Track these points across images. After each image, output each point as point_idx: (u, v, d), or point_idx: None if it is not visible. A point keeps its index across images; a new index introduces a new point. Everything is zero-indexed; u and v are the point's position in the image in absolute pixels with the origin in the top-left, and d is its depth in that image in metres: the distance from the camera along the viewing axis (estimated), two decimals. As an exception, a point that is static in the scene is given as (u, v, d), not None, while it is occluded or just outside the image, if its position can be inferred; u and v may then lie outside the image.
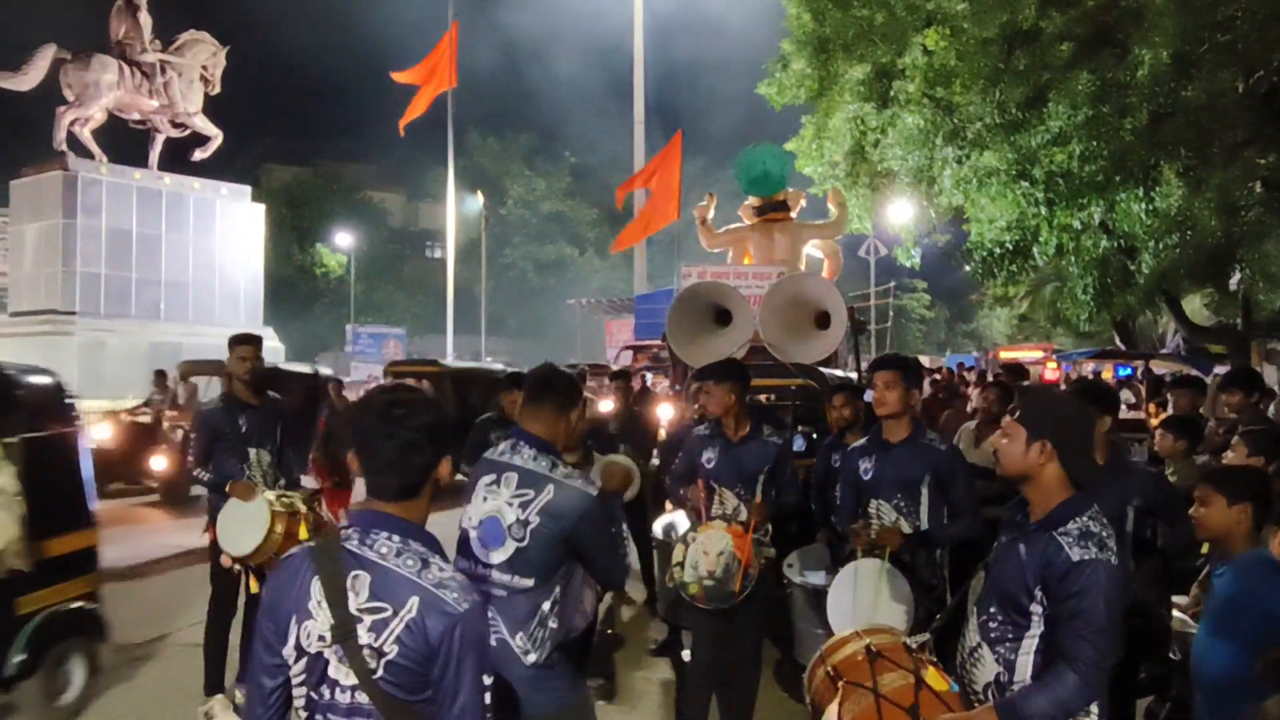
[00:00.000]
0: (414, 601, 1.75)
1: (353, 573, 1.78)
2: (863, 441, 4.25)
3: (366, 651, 1.75)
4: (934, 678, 2.55)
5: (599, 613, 5.54)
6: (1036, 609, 2.40)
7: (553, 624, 2.83)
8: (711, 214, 10.27)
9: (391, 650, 1.74)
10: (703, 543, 4.07)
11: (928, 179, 14.29)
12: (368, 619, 1.76)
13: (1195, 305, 18.56)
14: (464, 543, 2.90)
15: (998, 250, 13.56)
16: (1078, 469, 2.48)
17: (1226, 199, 11.35)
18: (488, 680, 1.80)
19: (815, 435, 6.79)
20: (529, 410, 2.99)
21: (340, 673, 1.77)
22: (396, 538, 1.82)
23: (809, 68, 15.57)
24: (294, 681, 1.83)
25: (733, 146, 10.26)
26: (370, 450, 1.86)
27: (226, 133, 22.08)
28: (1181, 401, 5.80)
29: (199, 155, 21.91)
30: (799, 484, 4.73)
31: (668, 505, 5.80)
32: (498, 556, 2.81)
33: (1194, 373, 8.69)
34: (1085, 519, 2.42)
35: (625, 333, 24.50)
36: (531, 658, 2.79)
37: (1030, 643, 2.42)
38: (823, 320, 7.14)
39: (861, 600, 3.67)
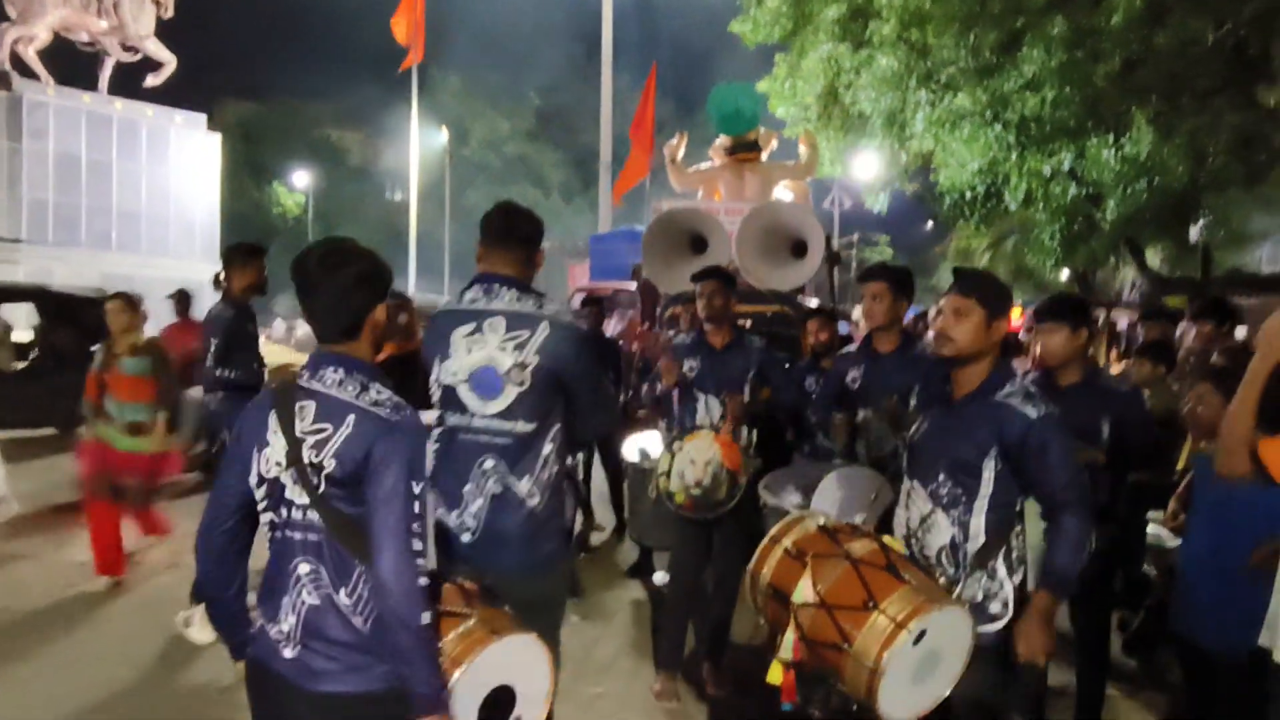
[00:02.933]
0: (350, 418, 1.95)
1: (300, 403, 2.00)
2: (852, 349, 4.20)
3: (310, 469, 1.95)
4: (893, 542, 2.63)
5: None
6: (988, 470, 2.57)
7: (555, 467, 2.78)
8: (682, 153, 10.12)
9: (330, 465, 1.94)
10: (690, 452, 4.03)
11: (900, 122, 14.20)
12: (311, 439, 1.96)
13: (1154, 262, 18.81)
14: (449, 398, 2.77)
15: (968, 194, 13.56)
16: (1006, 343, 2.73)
17: (1196, 145, 11.43)
18: (418, 488, 1.93)
19: (789, 363, 6.76)
20: (496, 253, 2.84)
21: (295, 493, 1.98)
22: (341, 370, 2.02)
23: (784, 5, 15.30)
24: (260, 507, 2.04)
25: (704, 86, 10.11)
26: (310, 297, 2.05)
27: (181, 64, 21.33)
28: (1152, 332, 5.87)
29: (152, 81, 21.18)
30: (794, 383, 4.68)
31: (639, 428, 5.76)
32: (496, 406, 2.71)
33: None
34: (1019, 383, 2.63)
35: (587, 276, 24.29)
36: (535, 501, 2.73)
37: (982, 503, 2.60)
38: (799, 249, 7.09)
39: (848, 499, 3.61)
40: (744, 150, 9.58)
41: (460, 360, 2.73)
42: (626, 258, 13.72)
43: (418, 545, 1.90)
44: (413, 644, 1.88)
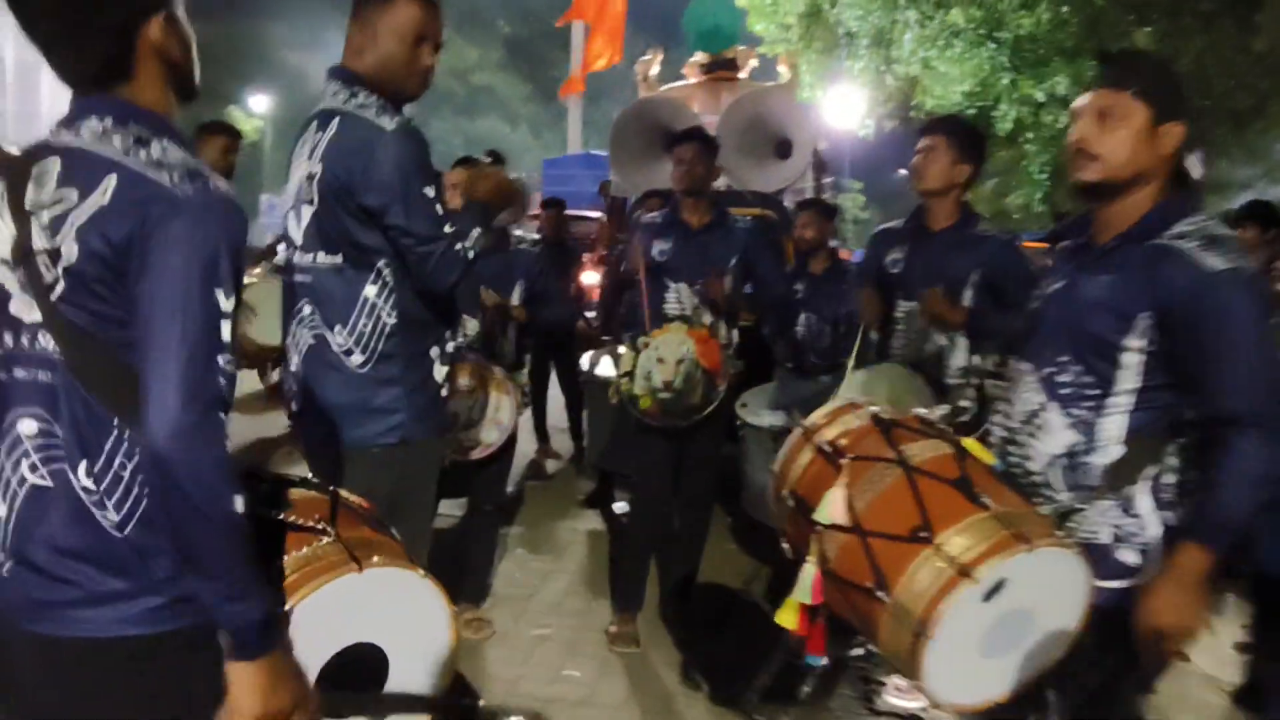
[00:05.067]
0: (111, 181, 1.20)
1: (40, 164, 1.25)
2: (896, 224, 3.25)
3: (42, 260, 1.22)
4: (976, 448, 1.83)
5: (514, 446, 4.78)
6: (1133, 350, 1.70)
7: (388, 318, 2.10)
8: (655, 70, 9.40)
9: (70, 251, 1.20)
10: (658, 348, 3.31)
11: (886, 42, 13.43)
12: (46, 214, 1.22)
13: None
14: (284, 231, 2.24)
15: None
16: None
17: (1199, 70, 10.82)
18: (223, 301, 1.19)
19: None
20: (347, 37, 2.18)
21: (22, 307, 1.25)
22: (108, 118, 1.26)
23: (767, -86, 14.41)
24: None
25: (680, 4, 9.44)
26: (36, 20, 1.26)
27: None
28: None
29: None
30: (785, 273, 3.97)
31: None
32: (297, 230, 2.13)
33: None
34: (1200, 220, 1.70)
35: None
36: (356, 359, 2.09)
37: (1121, 399, 1.73)
38: (784, 149, 6.39)
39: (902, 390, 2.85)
40: (721, 69, 8.91)
41: (290, 178, 2.18)
42: (582, 184, 13.09)
43: (219, 384, 1.18)
44: (213, 542, 1.16)
